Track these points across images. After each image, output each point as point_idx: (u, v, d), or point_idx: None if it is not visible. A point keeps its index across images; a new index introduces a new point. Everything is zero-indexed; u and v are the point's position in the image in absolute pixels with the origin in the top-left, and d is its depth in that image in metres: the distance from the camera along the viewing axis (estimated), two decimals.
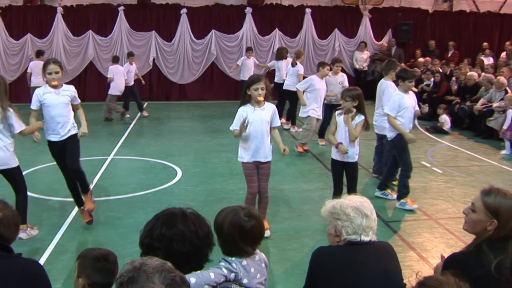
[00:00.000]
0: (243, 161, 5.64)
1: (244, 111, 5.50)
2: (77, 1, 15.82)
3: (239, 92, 12.86)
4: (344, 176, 6.23)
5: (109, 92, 12.91)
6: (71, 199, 6.29)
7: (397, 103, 6.66)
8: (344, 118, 6.00)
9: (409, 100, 6.77)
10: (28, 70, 13.12)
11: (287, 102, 12.21)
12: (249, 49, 14.62)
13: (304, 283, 2.78)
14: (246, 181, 5.75)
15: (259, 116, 5.50)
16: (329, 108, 9.62)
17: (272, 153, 5.73)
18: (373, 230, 2.67)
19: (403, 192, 6.83)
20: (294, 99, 11.41)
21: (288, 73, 11.89)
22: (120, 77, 12.90)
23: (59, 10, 15.52)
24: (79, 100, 6.00)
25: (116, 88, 12.85)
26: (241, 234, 2.65)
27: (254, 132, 5.50)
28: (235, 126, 5.55)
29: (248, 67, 13.98)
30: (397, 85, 7.06)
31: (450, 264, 2.58)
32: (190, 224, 2.43)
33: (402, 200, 6.81)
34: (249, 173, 5.67)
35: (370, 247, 2.66)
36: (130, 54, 13.78)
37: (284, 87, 11.79)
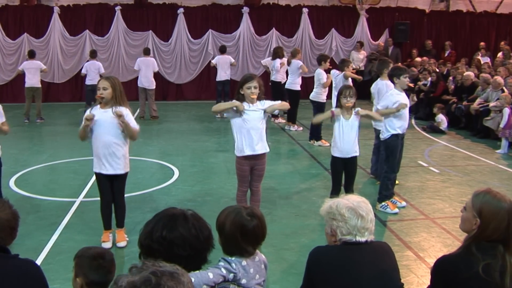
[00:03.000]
0: (237, 154, 5.58)
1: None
2: (73, 0, 15.77)
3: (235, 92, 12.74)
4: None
5: (152, 88, 13.29)
6: (68, 199, 6.23)
7: (393, 101, 6.50)
8: (360, 113, 6.01)
9: (406, 99, 6.69)
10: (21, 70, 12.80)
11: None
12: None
13: (301, 282, 2.78)
14: (237, 179, 5.73)
15: (252, 112, 5.49)
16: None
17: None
18: (369, 231, 2.65)
19: (385, 194, 6.74)
20: (296, 98, 11.39)
21: (288, 73, 11.89)
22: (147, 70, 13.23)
23: (56, 9, 15.47)
24: None
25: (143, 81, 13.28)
26: (242, 233, 2.63)
27: (247, 128, 5.48)
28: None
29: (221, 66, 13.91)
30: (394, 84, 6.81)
31: (439, 266, 2.61)
32: (191, 227, 2.38)
33: (383, 203, 6.71)
34: (242, 174, 5.65)
35: (368, 247, 2.65)
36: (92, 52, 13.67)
37: (286, 86, 11.79)
